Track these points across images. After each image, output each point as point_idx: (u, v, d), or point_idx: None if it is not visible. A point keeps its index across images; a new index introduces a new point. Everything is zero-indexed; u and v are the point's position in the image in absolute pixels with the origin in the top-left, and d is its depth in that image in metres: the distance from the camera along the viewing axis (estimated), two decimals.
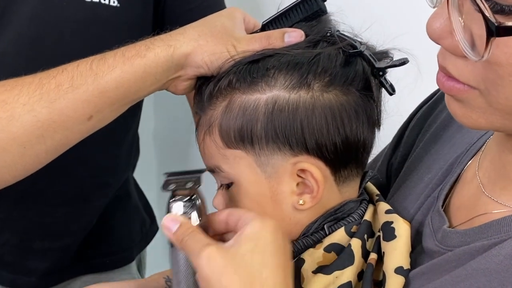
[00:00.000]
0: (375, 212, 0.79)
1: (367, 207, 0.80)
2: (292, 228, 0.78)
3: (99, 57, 0.82)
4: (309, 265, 0.75)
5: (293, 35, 0.81)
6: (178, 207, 0.75)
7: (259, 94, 0.76)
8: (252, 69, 0.78)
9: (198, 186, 0.74)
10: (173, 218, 0.73)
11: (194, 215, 0.74)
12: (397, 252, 0.73)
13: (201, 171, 0.75)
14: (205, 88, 0.81)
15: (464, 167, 0.77)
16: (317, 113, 0.75)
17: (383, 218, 0.76)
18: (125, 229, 1.35)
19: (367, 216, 0.78)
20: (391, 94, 0.79)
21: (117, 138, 1.16)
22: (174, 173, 0.74)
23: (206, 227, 0.75)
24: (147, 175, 1.54)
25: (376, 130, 0.80)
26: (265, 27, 0.86)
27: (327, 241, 0.76)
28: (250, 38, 0.82)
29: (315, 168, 0.75)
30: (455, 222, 0.73)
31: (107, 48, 0.84)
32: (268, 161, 0.77)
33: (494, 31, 0.56)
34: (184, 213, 0.74)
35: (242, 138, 0.77)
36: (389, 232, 0.75)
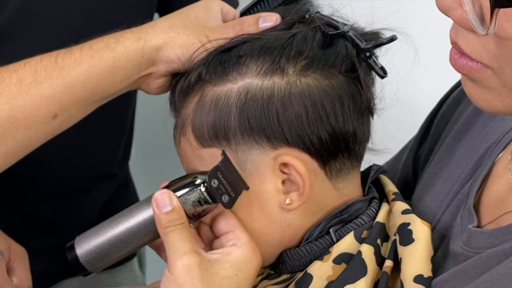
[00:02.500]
0: (390, 212, 0.76)
1: (379, 207, 0.77)
2: (285, 232, 0.76)
3: (65, 51, 0.80)
4: (317, 282, 0.73)
5: (268, 19, 0.79)
6: (194, 193, 0.72)
7: (231, 84, 0.75)
8: (223, 58, 0.76)
9: (231, 206, 0.73)
10: (170, 196, 0.71)
11: (200, 208, 0.72)
12: (415, 258, 0.70)
13: (246, 187, 0.73)
14: (176, 85, 0.79)
15: (495, 159, 0.75)
16: (294, 100, 0.73)
17: (399, 219, 0.74)
18: None
19: (380, 217, 0.75)
20: (382, 77, 0.77)
21: (120, 124, 1.13)
22: (227, 167, 0.72)
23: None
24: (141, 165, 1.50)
25: (370, 118, 0.78)
26: (243, 15, 0.85)
27: (336, 250, 0.73)
28: (224, 26, 0.81)
29: (298, 161, 0.73)
30: (484, 221, 0.71)
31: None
32: (247, 157, 0.74)
33: (497, 1, 0.55)
34: (192, 202, 0.72)
35: (216, 134, 0.74)
36: (406, 235, 0.72)
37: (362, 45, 0.76)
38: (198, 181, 0.72)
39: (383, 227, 0.74)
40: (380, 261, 0.72)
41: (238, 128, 0.74)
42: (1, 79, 0.79)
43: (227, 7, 0.85)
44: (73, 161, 1.11)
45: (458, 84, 0.87)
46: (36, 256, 1.14)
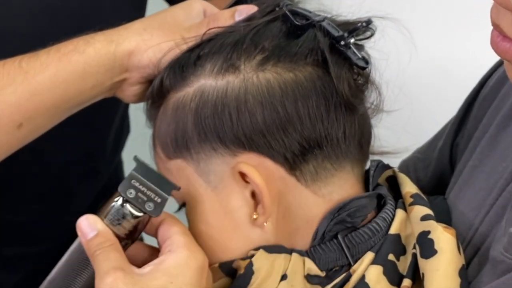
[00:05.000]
0: (407, 219, 0.73)
1: (394, 210, 0.73)
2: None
3: (30, 55, 0.79)
4: None
5: (244, 12, 0.78)
6: (115, 211, 0.70)
7: (188, 88, 0.74)
8: (183, 61, 0.75)
9: (159, 213, 0.70)
10: (92, 222, 0.70)
11: (128, 224, 0.70)
12: (440, 273, 0.67)
13: (175, 187, 0.71)
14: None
15: None
16: (250, 98, 0.71)
17: (418, 227, 0.71)
18: None
19: (393, 228, 0.72)
20: (362, 68, 0.73)
21: (106, 113, 1.10)
22: (144, 172, 0.70)
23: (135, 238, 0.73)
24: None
25: (350, 113, 0.74)
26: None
27: (356, 277, 0.69)
28: (199, 24, 0.79)
29: (251, 169, 0.70)
30: None
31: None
32: (209, 168, 0.72)
33: None
34: (117, 220, 0.70)
35: (177, 144, 0.73)
36: (426, 246, 0.69)
37: (336, 33, 0.73)
38: (117, 199, 0.71)
39: (396, 239, 0.71)
40: (396, 280, 0.69)
41: (195, 135, 0.72)
42: None
43: (211, 8, 0.83)
44: (49, 155, 1.06)
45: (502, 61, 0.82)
46: (10, 266, 1.12)
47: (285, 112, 0.70)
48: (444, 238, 0.69)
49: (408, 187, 0.76)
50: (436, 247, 0.68)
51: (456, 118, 0.86)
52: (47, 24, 0.93)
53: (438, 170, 0.86)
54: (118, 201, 0.70)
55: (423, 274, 0.67)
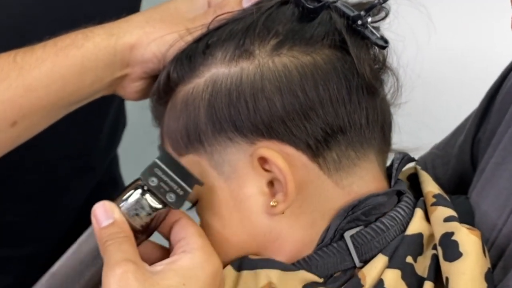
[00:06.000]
0: (426, 219, 0.72)
1: (413, 210, 0.72)
2: (272, 247, 0.72)
3: (26, 49, 0.78)
4: None
5: None
6: (134, 199, 0.69)
7: (198, 79, 0.73)
8: (191, 51, 0.74)
9: (180, 206, 0.69)
10: (108, 209, 0.68)
11: (146, 216, 0.69)
12: (466, 277, 0.65)
13: (198, 182, 0.70)
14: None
15: None
16: (267, 83, 0.70)
17: (440, 228, 0.69)
18: None
19: (411, 229, 0.70)
20: (382, 47, 0.73)
21: (101, 106, 1.04)
22: (169, 163, 0.69)
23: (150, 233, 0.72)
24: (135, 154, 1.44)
25: (372, 96, 0.73)
26: None
27: (371, 281, 0.68)
28: (205, 13, 0.78)
29: (275, 153, 0.69)
30: None
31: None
32: (223, 159, 0.71)
33: None
34: (135, 210, 0.69)
35: (189, 138, 0.72)
36: (451, 248, 0.68)
37: (352, 13, 0.72)
38: (137, 189, 0.70)
39: (415, 240, 0.70)
40: (415, 283, 0.68)
41: (208, 127, 0.71)
42: None
43: None
44: (39, 151, 1.02)
45: None
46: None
47: (306, 97, 0.69)
48: (469, 240, 0.67)
49: (431, 187, 0.74)
50: (461, 249, 0.67)
51: (477, 112, 0.84)
52: (42, 15, 0.91)
53: (459, 167, 0.84)
54: (138, 189, 0.69)
55: (447, 278, 0.66)
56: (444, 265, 0.67)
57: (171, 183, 0.68)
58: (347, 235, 0.70)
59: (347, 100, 0.70)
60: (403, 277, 0.67)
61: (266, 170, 0.70)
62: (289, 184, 0.69)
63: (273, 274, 0.69)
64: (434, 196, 0.73)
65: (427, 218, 0.72)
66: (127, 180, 1.27)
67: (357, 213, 0.70)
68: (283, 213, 0.70)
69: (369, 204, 0.70)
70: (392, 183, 0.74)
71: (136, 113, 1.41)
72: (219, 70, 0.71)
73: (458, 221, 0.70)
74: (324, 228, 0.70)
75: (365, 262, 0.70)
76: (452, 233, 0.68)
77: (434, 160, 0.87)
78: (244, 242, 0.72)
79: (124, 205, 0.69)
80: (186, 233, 0.69)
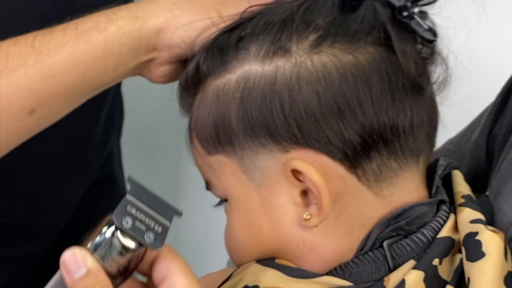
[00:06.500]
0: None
1: (448, 216, 0.71)
2: (306, 258, 0.69)
3: (45, 32, 0.76)
4: None
5: None
6: (108, 244, 0.62)
7: (230, 75, 0.69)
8: (223, 43, 0.71)
9: (160, 245, 0.63)
10: (80, 257, 0.62)
11: (122, 259, 0.63)
12: (488, 279, 0.64)
13: (177, 213, 0.65)
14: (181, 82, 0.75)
15: None
16: (304, 86, 0.66)
17: (465, 229, 0.68)
18: None
19: (443, 232, 0.69)
20: (429, 41, 0.69)
21: (95, 98, 0.99)
22: (142, 196, 0.64)
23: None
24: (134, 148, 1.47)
25: (417, 96, 0.70)
26: None
27: (393, 282, 0.66)
28: None
29: (309, 167, 0.66)
30: None
31: None
32: (254, 164, 0.68)
33: None
34: (111, 255, 0.62)
35: (218, 138, 0.69)
36: (474, 248, 0.66)
37: (397, 3, 0.68)
38: (109, 227, 0.64)
39: (445, 242, 0.68)
40: (436, 286, 0.66)
41: (239, 129, 0.68)
42: None
43: None
44: (31, 148, 0.97)
45: None
46: None
47: (345, 102, 0.66)
48: (493, 241, 0.66)
49: (461, 187, 0.73)
50: (484, 249, 0.65)
51: (493, 106, 0.82)
52: (27, 8, 0.90)
53: (474, 164, 0.83)
54: (110, 230, 0.63)
55: (468, 278, 0.65)
56: (467, 266, 0.66)
57: (148, 221, 0.63)
58: (387, 244, 0.68)
59: (390, 106, 0.67)
60: (425, 279, 0.65)
61: (300, 180, 0.67)
62: (324, 198, 0.67)
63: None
64: (463, 196, 0.71)
65: None
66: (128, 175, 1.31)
67: (401, 223, 0.68)
68: (316, 226, 0.68)
69: (413, 214, 0.68)
70: (433, 191, 0.72)
71: (132, 101, 1.36)
72: (252, 67, 0.68)
73: (484, 224, 0.68)
74: (363, 236, 0.68)
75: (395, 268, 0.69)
76: (476, 233, 0.67)
77: (447, 156, 0.84)
78: (273, 248, 0.70)
79: (97, 249, 0.63)
80: (169, 271, 0.64)
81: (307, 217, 0.67)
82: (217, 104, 0.69)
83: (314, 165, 0.66)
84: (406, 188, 0.69)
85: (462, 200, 0.71)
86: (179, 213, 0.65)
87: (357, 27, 0.68)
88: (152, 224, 0.63)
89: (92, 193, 1.17)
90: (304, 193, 0.68)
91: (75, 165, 1.12)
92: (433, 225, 0.69)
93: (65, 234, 1.17)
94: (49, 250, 1.15)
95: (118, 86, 1.18)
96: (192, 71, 0.72)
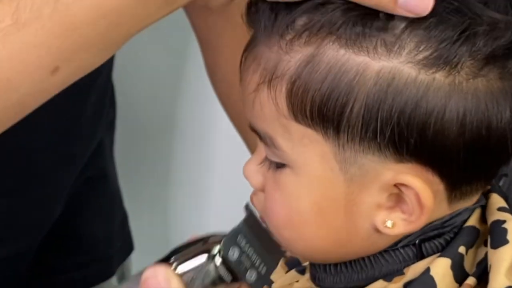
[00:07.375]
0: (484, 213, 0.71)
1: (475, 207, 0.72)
2: (358, 249, 0.69)
3: None
4: None
5: None
6: (203, 271, 0.61)
7: (369, 59, 0.63)
8: (369, 20, 0.63)
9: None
10: (164, 279, 0.61)
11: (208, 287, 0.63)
12: (506, 264, 0.64)
13: (284, 255, 0.64)
14: (278, 10, 0.65)
15: None
16: (453, 109, 0.63)
17: (492, 216, 0.68)
18: (100, 228, 1.21)
19: (471, 221, 0.69)
20: None
21: (81, 83, 0.90)
22: (255, 228, 0.62)
23: None
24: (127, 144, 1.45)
25: None
26: None
27: (413, 272, 0.66)
28: None
29: (425, 188, 0.64)
30: None
31: None
32: (356, 160, 0.65)
33: None
34: (203, 282, 0.61)
35: (324, 115, 0.64)
36: (498, 235, 0.66)
37: None
38: (211, 253, 0.63)
39: (470, 231, 0.68)
40: (459, 277, 0.66)
41: (361, 123, 0.63)
42: None
43: None
44: (12, 140, 0.93)
45: None
46: None
47: (483, 127, 0.63)
48: None
49: None
50: (508, 237, 0.65)
51: None
52: None
53: None
54: (211, 257, 0.62)
55: (490, 265, 0.65)
56: (490, 253, 0.65)
57: (254, 257, 0.61)
58: (419, 242, 0.67)
59: (509, 130, 0.66)
60: (452, 267, 0.65)
61: (395, 186, 0.65)
62: (424, 218, 0.65)
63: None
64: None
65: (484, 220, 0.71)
66: (122, 177, 1.28)
67: (446, 229, 0.67)
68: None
69: (459, 220, 0.67)
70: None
71: (126, 89, 1.34)
72: (403, 68, 0.63)
73: (510, 213, 0.68)
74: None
75: None
76: (504, 221, 0.67)
77: None
78: (336, 234, 0.68)
79: (188, 273, 0.61)
80: None
81: (390, 226, 0.66)
82: (339, 80, 0.64)
83: (423, 179, 0.64)
84: (469, 202, 0.69)
85: (488, 187, 0.71)
86: (286, 256, 0.64)
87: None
88: (257, 262, 0.61)
89: (83, 190, 1.14)
90: (391, 196, 0.66)
91: (60, 157, 1.07)
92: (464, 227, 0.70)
93: (51, 235, 1.14)
94: (36, 253, 1.13)
95: (108, 71, 1.13)
96: (319, 24, 0.64)
